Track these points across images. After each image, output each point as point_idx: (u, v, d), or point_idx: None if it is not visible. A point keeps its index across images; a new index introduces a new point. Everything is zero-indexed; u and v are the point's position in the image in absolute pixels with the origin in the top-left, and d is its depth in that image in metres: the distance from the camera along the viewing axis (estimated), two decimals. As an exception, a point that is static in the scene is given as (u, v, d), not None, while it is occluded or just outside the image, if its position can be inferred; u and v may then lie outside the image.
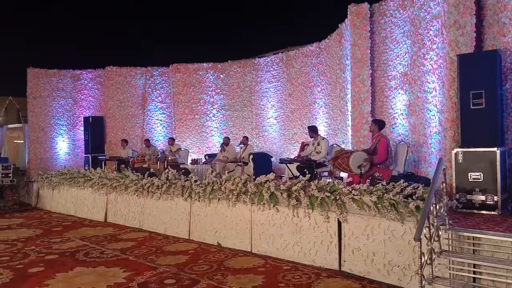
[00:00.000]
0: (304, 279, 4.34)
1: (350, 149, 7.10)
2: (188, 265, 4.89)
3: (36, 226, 7.78)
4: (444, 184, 3.93)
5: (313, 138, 7.61)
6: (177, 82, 12.36)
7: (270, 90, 11.51)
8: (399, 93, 7.25)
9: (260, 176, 5.53)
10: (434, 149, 5.98)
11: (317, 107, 9.97)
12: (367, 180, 5.08)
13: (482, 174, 4.61)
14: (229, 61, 12.22)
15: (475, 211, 4.60)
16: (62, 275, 4.67)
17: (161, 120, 12.89)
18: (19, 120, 19.02)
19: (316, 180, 5.20)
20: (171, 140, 10.94)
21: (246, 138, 9.88)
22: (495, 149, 4.55)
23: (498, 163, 4.51)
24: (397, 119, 7.32)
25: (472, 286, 3.52)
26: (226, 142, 9.89)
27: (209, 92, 12.30)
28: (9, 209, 9.96)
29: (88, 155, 12.16)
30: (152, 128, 12.80)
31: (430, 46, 6.12)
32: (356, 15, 7.51)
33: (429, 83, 6.18)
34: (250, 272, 4.62)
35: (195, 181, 6.42)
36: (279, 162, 8.97)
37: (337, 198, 4.62)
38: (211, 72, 12.29)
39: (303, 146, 7.81)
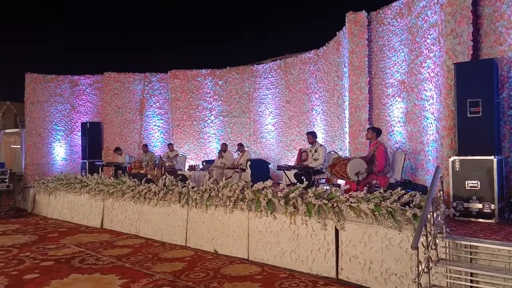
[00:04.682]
0: (301, 287, 4.31)
1: (348, 156, 7.10)
2: (185, 273, 4.86)
3: (32, 232, 7.73)
4: (441, 192, 3.93)
5: (311, 144, 7.61)
6: (175, 88, 12.37)
7: (268, 97, 11.54)
8: (397, 100, 7.28)
9: (258, 183, 5.52)
10: (431, 156, 5.99)
11: (315, 114, 9.99)
12: (365, 187, 5.08)
13: (479, 182, 4.61)
14: (227, 67, 12.26)
15: (472, 219, 4.61)
16: (57, 281, 4.63)
17: (159, 126, 12.89)
18: (16, 125, 19.02)
19: (314, 187, 5.19)
20: (171, 146, 10.93)
21: (241, 145, 9.89)
22: (492, 157, 4.56)
23: (495, 171, 4.52)
24: (395, 126, 7.34)
25: (470, 295, 3.51)
26: (224, 149, 9.89)
27: (207, 98, 12.32)
28: (4, 215, 9.89)
29: (85, 160, 12.13)
30: (150, 134, 12.79)
31: (427, 54, 6.16)
32: (354, 23, 7.56)
33: (426, 91, 6.21)
34: (247, 279, 4.59)
35: (192, 187, 6.40)
36: (276, 169, 8.96)
37: (335, 205, 4.61)
38: (209, 78, 12.31)
39: (301, 153, 7.79)
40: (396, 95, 7.30)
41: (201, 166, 10.65)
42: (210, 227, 6.03)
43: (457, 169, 4.76)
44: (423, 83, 6.33)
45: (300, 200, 4.88)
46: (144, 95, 12.78)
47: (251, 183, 5.79)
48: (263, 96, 11.67)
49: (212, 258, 5.57)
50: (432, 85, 5.98)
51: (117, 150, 11.18)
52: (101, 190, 8.12)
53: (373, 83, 7.68)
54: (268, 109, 11.56)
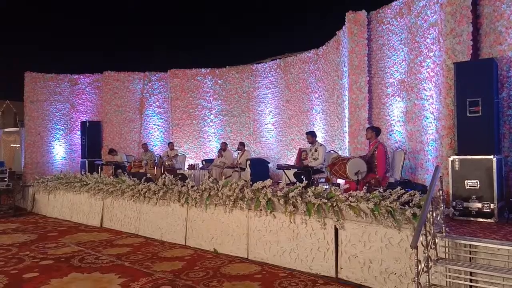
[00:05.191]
0: (301, 286, 4.32)
1: (347, 155, 7.11)
2: (184, 272, 4.86)
3: (31, 231, 7.73)
4: (440, 192, 3.93)
5: (311, 144, 7.61)
6: (175, 87, 12.36)
7: (268, 96, 11.54)
8: (396, 100, 7.28)
9: (257, 182, 5.52)
10: (430, 156, 5.99)
11: (315, 113, 9.99)
12: (364, 187, 5.07)
13: (478, 182, 4.62)
14: (227, 66, 12.24)
15: (472, 219, 4.61)
16: (56, 280, 4.63)
17: (158, 125, 12.87)
18: (16, 124, 19.00)
19: (313, 186, 5.19)
20: (171, 145, 10.94)
21: (242, 144, 9.87)
22: (491, 156, 4.56)
23: (494, 170, 4.53)
24: (394, 126, 7.34)
25: (469, 294, 3.51)
26: (223, 148, 9.88)
27: (207, 98, 12.31)
28: (4, 214, 9.89)
29: (84, 159, 12.12)
30: (149, 133, 12.78)
31: (427, 53, 6.16)
32: (354, 22, 7.55)
33: (426, 90, 6.21)
34: (246, 279, 4.59)
35: (192, 186, 6.40)
36: (276, 168, 8.96)
37: (334, 204, 4.61)
38: (209, 77, 12.30)
39: (300, 152, 7.80)
40: (395, 94, 7.30)
41: (200, 165, 10.64)
42: (209, 226, 6.03)
43: (457, 168, 4.76)
44: (422, 82, 6.33)
45: (300, 199, 4.88)
46: (144, 94, 12.76)
47: (251, 182, 5.80)
48: (262, 95, 11.67)
49: (212, 257, 5.57)
50: (432, 84, 5.98)
51: (112, 152, 11.11)
52: (100, 189, 8.12)
53: (373, 83, 7.68)
54: (267, 108, 11.55)
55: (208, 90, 12.31)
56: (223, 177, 8.80)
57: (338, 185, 6.58)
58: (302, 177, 5.93)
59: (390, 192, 4.47)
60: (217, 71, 12.27)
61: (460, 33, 5.17)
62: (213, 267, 5.07)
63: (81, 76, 13.00)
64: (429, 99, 6.12)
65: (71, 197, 9.10)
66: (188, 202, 6.34)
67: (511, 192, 5.03)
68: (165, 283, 4.45)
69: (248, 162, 9.37)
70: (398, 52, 7.23)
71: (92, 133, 12.21)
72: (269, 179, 5.55)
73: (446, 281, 3.67)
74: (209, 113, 12.29)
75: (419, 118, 6.46)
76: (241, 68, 12.08)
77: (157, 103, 12.84)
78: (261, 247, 5.36)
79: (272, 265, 5.11)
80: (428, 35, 6.12)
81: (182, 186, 6.56)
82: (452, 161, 4.81)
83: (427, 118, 6.16)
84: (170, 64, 12.78)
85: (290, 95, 10.83)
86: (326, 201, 4.68)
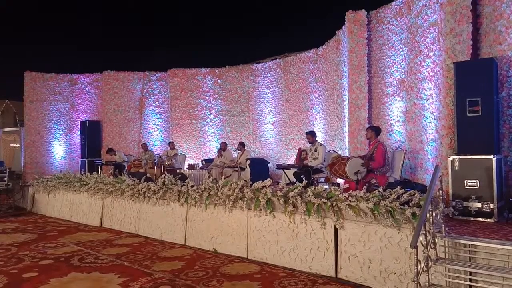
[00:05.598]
0: (300, 286, 4.31)
1: (347, 155, 7.11)
2: (184, 271, 4.86)
3: (31, 231, 7.72)
4: (440, 191, 3.93)
5: (311, 144, 7.61)
6: (174, 87, 12.36)
7: (268, 96, 11.54)
8: (396, 99, 7.28)
9: (257, 182, 5.52)
10: (430, 156, 5.99)
11: (314, 113, 9.99)
12: (364, 186, 5.07)
13: (478, 182, 4.62)
14: (226, 66, 12.24)
15: (471, 219, 4.61)
16: (56, 280, 4.63)
17: (158, 125, 12.87)
18: (15, 124, 19.01)
19: (313, 186, 5.19)
20: (172, 144, 10.95)
21: (242, 144, 9.87)
22: (491, 156, 4.56)
23: (494, 170, 4.52)
24: (394, 125, 7.34)
25: (469, 294, 3.51)
26: (223, 147, 9.88)
27: (207, 97, 12.31)
28: (4, 213, 9.89)
29: (84, 159, 12.11)
30: (149, 133, 12.77)
31: (427, 53, 6.16)
32: (354, 22, 7.55)
33: (426, 90, 6.21)
34: (246, 278, 4.59)
35: (192, 186, 6.39)
36: (276, 168, 8.96)
37: (334, 204, 4.61)
38: (209, 77, 12.30)
39: (300, 152, 7.80)
40: (395, 94, 7.30)
41: (200, 165, 10.64)
42: (209, 226, 6.03)
43: (456, 168, 4.76)
44: (422, 82, 6.33)
45: (300, 199, 4.88)
46: (144, 94, 12.76)
47: (251, 182, 5.79)
48: (262, 95, 11.67)
49: (211, 257, 5.57)
50: (432, 84, 5.98)
51: (110, 151, 11.10)
52: (100, 188, 8.11)
53: (373, 82, 7.68)
54: (267, 108, 11.56)
55: (208, 89, 12.32)
56: (223, 176, 8.80)
57: (338, 184, 6.58)
58: (302, 176, 5.94)
59: (389, 191, 4.46)
60: (217, 70, 12.27)
61: (460, 32, 5.17)
62: (212, 266, 5.06)
63: (81, 76, 13.00)
64: (428, 99, 6.11)
65: (70, 197, 9.09)
66: (187, 202, 6.33)
67: (510, 192, 5.03)
68: (164, 283, 4.45)
69: (248, 161, 9.37)
70: (398, 52, 7.23)
71: (91, 133, 12.21)
72: (268, 179, 5.55)
73: (446, 280, 3.67)
74: (209, 113, 12.29)
75: (419, 117, 6.46)
76: (241, 67, 12.09)
77: (157, 102, 12.84)
78: (260, 246, 5.36)
79: (272, 264, 5.11)
80: (428, 35, 6.11)
81: (181, 186, 6.55)
82: (452, 161, 4.81)
83: (426, 118, 6.16)
84: (170, 63, 12.79)
85: (290, 94, 10.83)
86: (326, 200, 4.67)
